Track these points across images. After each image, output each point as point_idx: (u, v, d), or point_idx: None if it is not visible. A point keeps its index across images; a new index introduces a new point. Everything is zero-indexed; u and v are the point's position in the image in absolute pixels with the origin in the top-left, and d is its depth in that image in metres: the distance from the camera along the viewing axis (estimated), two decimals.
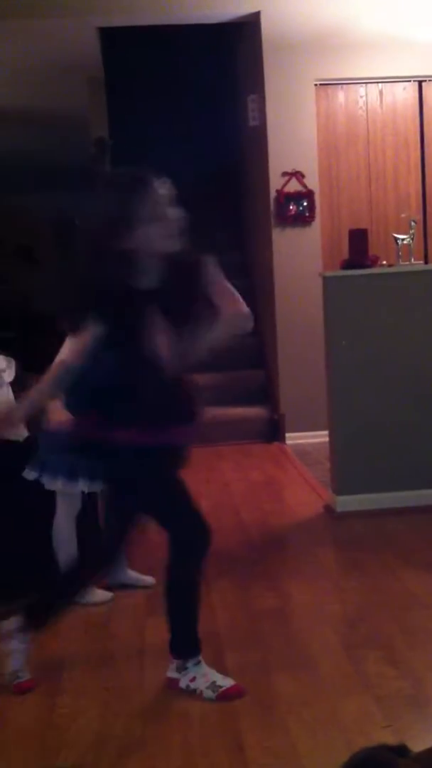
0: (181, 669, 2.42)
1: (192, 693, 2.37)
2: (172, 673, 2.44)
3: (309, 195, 5.97)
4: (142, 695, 2.42)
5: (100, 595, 3.11)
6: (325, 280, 4.28)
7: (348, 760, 1.67)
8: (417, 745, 1.70)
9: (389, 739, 2.04)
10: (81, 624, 2.95)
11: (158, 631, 2.83)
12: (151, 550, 3.33)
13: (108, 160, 7.54)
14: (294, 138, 5.96)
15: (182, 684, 2.40)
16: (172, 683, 2.43)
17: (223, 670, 2.50)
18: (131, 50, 7.78)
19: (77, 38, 6.30)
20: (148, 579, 3.22)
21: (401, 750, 1.63)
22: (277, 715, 2.25)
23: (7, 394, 3.35)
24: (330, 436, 4.34)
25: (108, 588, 3.16)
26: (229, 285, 2.47)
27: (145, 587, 3.19)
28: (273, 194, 5.99)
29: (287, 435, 5.99)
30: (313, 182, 5.98)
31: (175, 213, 2.45)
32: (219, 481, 5.00)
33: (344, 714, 2.24)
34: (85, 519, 3.23)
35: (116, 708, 2.35)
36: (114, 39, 6.95)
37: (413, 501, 4.11)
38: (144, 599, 3.12)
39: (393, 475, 4.15)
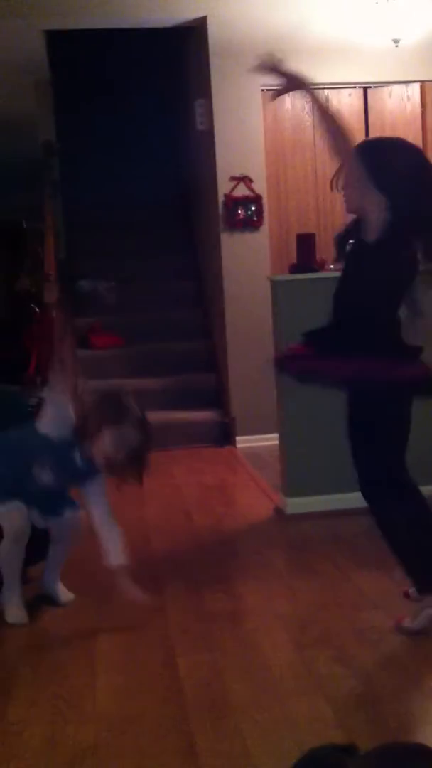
0: None
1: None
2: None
3: (257, 199, 6.01)
4: (94, 702, 2.40)
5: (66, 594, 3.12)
6: (274, 283, 4.31)
7: (297, 760, 1.68)
8: (367, 744, 1.71)
9: (340, 738, 2.06)
10: (30, 632, 2.92)
11: (109, 637, 2.82)
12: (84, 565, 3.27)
13: (56, 163, 7.51)
14: (241, 143, 5.99)
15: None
16: None
17: (175, 674, 2.50)
18: (79, 53, 7.76)
19: (24, 40, 6.26)
20: (69, 595, 3.15)
21: (350, 749, 1.64)
22: (229, 718, 2.26)
23: None
24: (280, 439, 4.37)
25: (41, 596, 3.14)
26: None
27: (64, 604, 3.11)
28: (221, 198, 6.02)
29: (238, 438, 6.01)
30: (260, 187, 6.02)
31: None
32: (171, 484, 5.00)
33: (296, 715, 2.25)
34: None
35: (67, 715, 2.33)
36: (61, 42, 6.93)
37: (363, 502, 4.14)
38: (94, 604, 3.10)
39: (342, 476, 4.16)
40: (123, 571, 2.89)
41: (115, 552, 2.88)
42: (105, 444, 2.76)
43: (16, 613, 2.96)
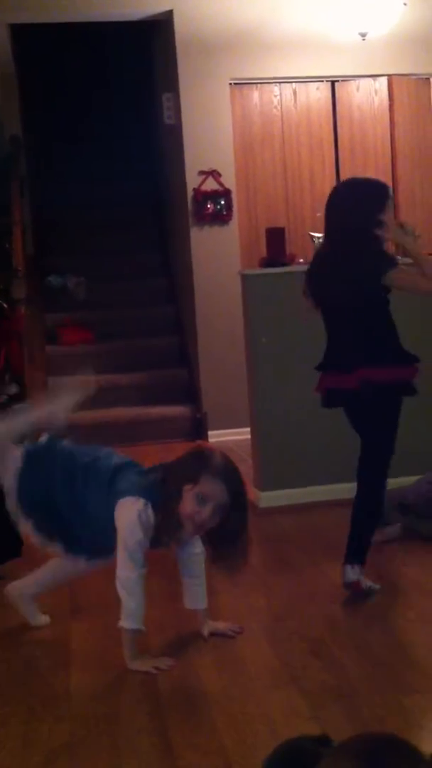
0: (362, 573, 2.97)
1: (369, 593, 2.96)
2: (353, 577, 2.96)
3: (226, 194, 6.01)
4: (69, 700, 2.39)
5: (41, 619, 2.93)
6: (244, 278, 4.31)
7: (272, 752, 1.69)
8: (341, 735, 1.72)
9: (315, 730, 2.07)
10: (3, 631, 2.90)
11: (83, 635, 2.82)
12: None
13: (23, 158, 7.43)
14: (210, 137, 5.98)
15: (363, 585, 2.96)
16: (355, 586, 2.96)
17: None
18: (45, 47, 7.70)
19: None
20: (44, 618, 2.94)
21: (323, 740, 1.65)
22: (204, 713, 2.26)
23: None
24: (252, 433, 4.38)
25: None
26: None
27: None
28: (190, 193, 6.01)
29: (210, 433, 6.01)
30: (229, 181, 6.02)
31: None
32: None
33: (271, 708, 2.26)
34: None
35: (42, 714, 2.32)
36: (27, 36, 6.86)
37: (336, 495, 4.17)
38: (68, 603, 3.09)
39: (315, 469, 4.21)
40: (205, 614, 2.75)
41: (198, 598, 2.74)
42: (186, 507, 2.46)
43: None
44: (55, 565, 2.85)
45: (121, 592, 2.51)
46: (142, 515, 2.47)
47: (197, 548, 2.67)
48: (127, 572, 2.49)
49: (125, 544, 2.49)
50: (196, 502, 2.44)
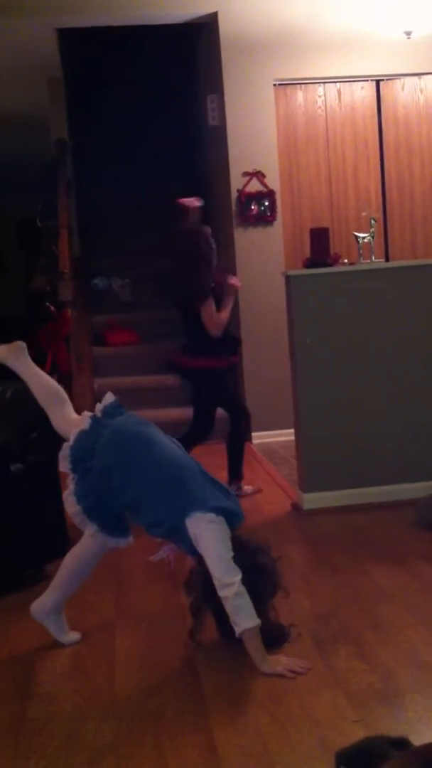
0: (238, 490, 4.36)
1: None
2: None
3: (270, 194, 6.00)
4: (114, 698, 2.41)
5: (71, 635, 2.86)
6: (288, 278, 4.30)
7: (348, 746, 1.70)
8: None
9: (359, 733, 2.06)
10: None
11: (128, 633, 2.84)
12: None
13: (69, 161, 7.52)
14: (254, 138, 5.98)
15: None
16: None
17: (194, 670, 2.52)
18: (91, 51, 7.77)
19: (36, 39, 6.26)
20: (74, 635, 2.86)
21: (401, 742, 1.65)
22: (249, 713, 2.27)
23: None
24: (296, 434, 4.37)
25: None
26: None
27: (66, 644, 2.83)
28: (234, 194, 6.01)
29: (254, 434, 6.01)
30: (273, 182, 6.01)
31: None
32: None
33: (315, 710, 2.25)
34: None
35: (87, 712, 2.34)
36: (73, 40, 6.94)
37: (380, 497, 4.15)
38: (113, 601, 3.12)
39: (359, 471, 4.19)
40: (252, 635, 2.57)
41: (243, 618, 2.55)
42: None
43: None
44: (68, 564, 2.83)
45: (230, 599, 2.51)
46: (225, 529, 2.61)
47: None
48: (231, 578, 2.54)
49: (224, 556, 2.57)
50: None
